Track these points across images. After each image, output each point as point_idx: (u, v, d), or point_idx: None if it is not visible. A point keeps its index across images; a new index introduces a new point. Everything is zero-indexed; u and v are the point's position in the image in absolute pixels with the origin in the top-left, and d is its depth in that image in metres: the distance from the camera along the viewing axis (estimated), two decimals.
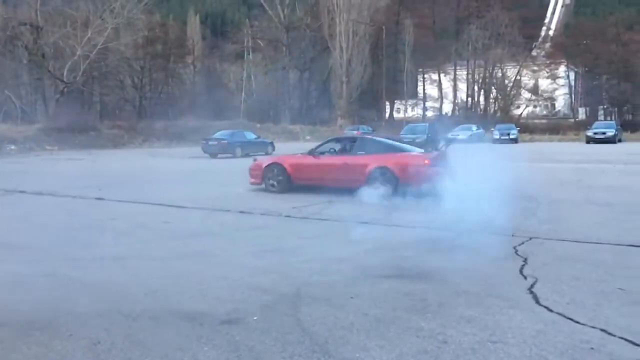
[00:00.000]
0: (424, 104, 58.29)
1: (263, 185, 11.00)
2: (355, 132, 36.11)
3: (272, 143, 26.33)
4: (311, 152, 10.94)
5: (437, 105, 57.84)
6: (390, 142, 10.90)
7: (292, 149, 22.71)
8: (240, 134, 25.01)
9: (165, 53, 49.45)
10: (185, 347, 3.28)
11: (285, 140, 37.47)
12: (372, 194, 9.14)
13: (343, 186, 10.01)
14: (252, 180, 11.23)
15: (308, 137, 40.78)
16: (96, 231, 7.31)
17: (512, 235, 6.25)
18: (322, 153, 10.88)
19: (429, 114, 56.65)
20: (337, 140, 11.66)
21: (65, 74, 39.17)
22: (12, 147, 31.25)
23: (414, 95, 58.78)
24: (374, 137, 11.95)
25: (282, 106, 54.17)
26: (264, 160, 11.69)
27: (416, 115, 56.34)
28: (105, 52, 41.72)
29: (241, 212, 8.48)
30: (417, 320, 3.65)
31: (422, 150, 10.84)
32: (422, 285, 4.49)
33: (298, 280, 4.61)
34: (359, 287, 4.43)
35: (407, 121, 42.64)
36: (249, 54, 60.79)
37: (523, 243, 5.88)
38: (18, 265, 5.41)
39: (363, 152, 10.34)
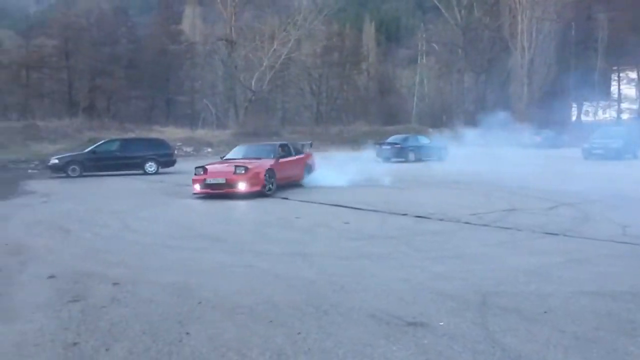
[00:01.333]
0: (619, 106, 52.31)
1: (260, 189, 11.54)
2: (537, 137, 33.84)
3: (446, 148, 25.81)
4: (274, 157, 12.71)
5: (634, 106, 51.50)
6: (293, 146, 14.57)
7: (466, 154, 22.04)
8: (414, 139, 24.99)
9: (341, 61, 51.47)
10: (374, 344, 3.38)
11: (459, 145, 36.39)
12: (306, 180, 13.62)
13: (295, 180, 13.36)
14: (253, 188, 11.32)
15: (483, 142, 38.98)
16: (283, 228, 7.89)
17: None
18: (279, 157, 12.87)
19: (624, 116, 50.67)
20: (281, 145, 13.86)
21: (253, 83, 42.91)
22: (209, 149, 35.12)
23: (607, 96, 53.05)
24: (289, 143, 15.20)
25: (455, 110, 52.79)
26: (257, 167, 11.72)
27: (609, 118, 50.75)
28: (288, 62, 44.84)
29: (418, 216, 8.46)
30: (624, 342, 3.30)
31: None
32: (626, 304, 4.04)
33: (483, 289, 4.46)
34: (551, 301, 4.14)
35: (597, 124, 38.65)
36: (422, 58, 60.45)
37: None
38: (220, 255, 6.07)
39: (295, 154, 13.89)
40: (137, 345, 3.48)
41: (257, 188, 11.43)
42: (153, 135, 29.53)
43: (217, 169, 11.94)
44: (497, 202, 9.93)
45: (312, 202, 10.50)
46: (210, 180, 11.44)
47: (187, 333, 3.66)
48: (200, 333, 3.65)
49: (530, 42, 45.29)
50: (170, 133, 35.20)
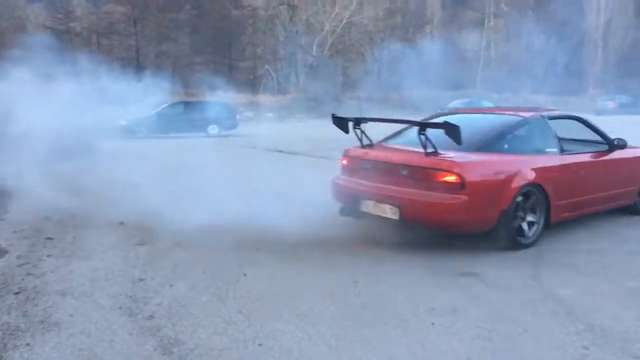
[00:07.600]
0: None
1: None
2: (610, 102, 32.16)
3: None
4: None
5: None
6: None
7: None
8: (476, 104, 24.30)
9: (404, 24, 50.29)
10: (427, 292, 3.46)
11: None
12: None
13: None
14: None
15: (552, 108, 37.51)
16: None
17: None
18: None
19: None
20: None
21: (314, 48, 42.76)
22: (270, 114, 35.58)
23: None
24: None
25: (523, 75, 50.64)
26: None
27: None
28: (350, 26, 44.27)
29: None
30: None
31: None
32: None
33: (541, 246, 4.41)
34: (609, 257, 4.06)
35: None
36: (489, 21, 58.03)
37: None
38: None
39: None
40: (198, 283, 3.70)
41: None
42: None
43: None
44: None
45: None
46: None
47: (245, 274, 3.85)
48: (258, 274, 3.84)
49: (607, 2, 42.51)
50: (231, 98, 35.84)
